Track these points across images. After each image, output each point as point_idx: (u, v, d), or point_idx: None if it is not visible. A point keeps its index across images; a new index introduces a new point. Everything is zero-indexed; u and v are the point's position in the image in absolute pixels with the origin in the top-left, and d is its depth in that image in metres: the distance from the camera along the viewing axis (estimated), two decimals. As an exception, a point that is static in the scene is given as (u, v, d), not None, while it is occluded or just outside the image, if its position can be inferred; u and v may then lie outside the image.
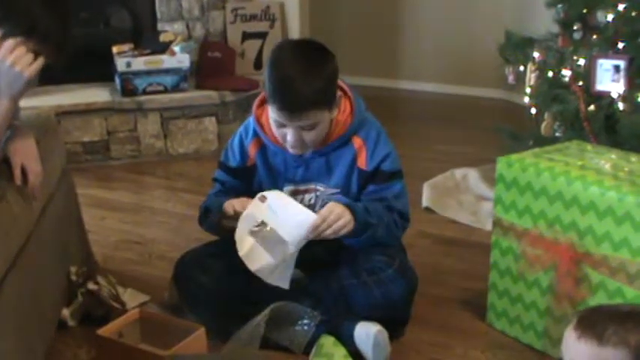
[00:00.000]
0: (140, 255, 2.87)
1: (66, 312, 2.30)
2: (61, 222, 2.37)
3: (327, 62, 2.12)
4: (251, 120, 2.30)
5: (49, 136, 2.34)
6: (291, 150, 2.18)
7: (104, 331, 2.10)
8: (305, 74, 2.06)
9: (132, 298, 2.42)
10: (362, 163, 2.23)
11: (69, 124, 3.84)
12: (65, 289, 2.33)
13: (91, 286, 2.34)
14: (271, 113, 2.13)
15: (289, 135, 2.12)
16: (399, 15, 5.61)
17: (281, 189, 2.26)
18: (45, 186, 2.13)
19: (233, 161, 2.33)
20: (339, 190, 2.26)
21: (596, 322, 1.25)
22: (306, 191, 2.28)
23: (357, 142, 2.23)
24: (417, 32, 5.57)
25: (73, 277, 2.34)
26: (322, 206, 2.21)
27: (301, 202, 2.26)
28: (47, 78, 3.64)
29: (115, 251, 2.89)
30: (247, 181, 2.32)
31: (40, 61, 1.89)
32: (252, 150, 2.29)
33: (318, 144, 2.20)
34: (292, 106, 2.06)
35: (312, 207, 2.26)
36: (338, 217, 2.08)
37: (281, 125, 2.12)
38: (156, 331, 2.13)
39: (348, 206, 2.12)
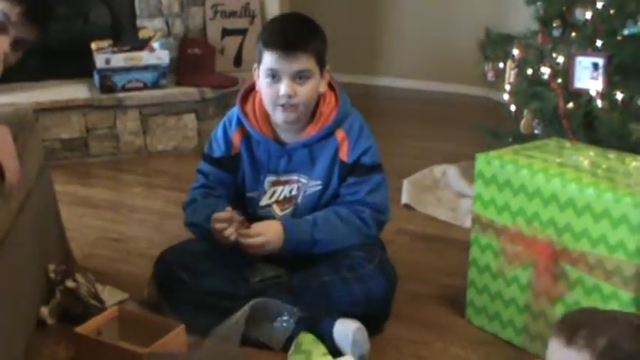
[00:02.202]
0: (119, 252, 2.85)
1: (44, 310, 2.28)
2: (39, 220, 2.35)
3: (318, 26, 2.25)
4: (235, 110, 2.32)
5: (27, 133, 2.32)
6: (282, 114, 2.19)
7: (83, 328, 2.08)
8: (299, 22, 2.27)
9: (111, 295, 2.41)
10: (343, 155, 2.26)
11: (47, 120, 3.81)
12: (43, 287, 2.31)
13: (69, 283, 2.32)
14: (266, 64, 2.17)
15: (282, 87, 2.15)
16: (379, 12, 5.61)
17: (263, 180, 2.30)
18: (22, 183, 2.11)
19: (217, 151, 2.34)
20: (320, 182, 2.27)
21: (579, 328, 1.26)
22: (287, 182, 2.30)
23: (339, 134, 2.27)
24: (397, 29, 5.58)
25: (52, 275, 2.33)
26: (304, 198, 2.26)
27: (281, 193, 2.28)
28: (25, 74, 3.69)
29: (93, 249, 2.87)
30: (232, 172, 2.33)
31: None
32: (236, 138, 2.31)
33: (306, 116, 2.23)
34: (287, 41, 2.14)
35: (293, 198, 2.29)
36: (256, 234, 2.19)
37: (274, 78, 2.16)
38: (135, 329, 2.12)
39: (284, 226, 2.20)
